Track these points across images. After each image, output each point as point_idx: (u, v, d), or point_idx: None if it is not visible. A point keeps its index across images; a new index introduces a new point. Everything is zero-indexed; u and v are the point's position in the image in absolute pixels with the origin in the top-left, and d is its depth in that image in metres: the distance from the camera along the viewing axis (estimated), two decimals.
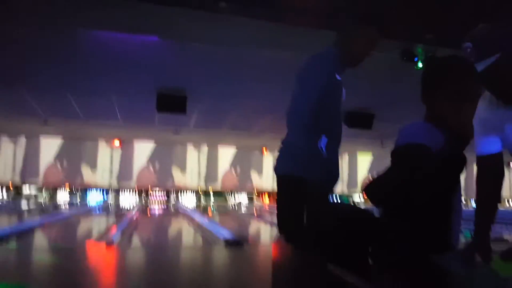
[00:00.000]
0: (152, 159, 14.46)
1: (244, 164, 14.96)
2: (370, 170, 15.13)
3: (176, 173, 14.70)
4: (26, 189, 13.76)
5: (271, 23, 3.96)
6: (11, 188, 13.58)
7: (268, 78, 5.70)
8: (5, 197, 13.42)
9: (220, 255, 3.86)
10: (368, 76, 5.23)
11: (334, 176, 1.65)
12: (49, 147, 13.68)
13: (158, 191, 14.56)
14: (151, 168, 14.47)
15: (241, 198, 15.34)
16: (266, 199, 15.71)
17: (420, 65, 4.87)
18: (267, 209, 12.24)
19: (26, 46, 4.92)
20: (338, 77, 1.62)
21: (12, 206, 10.53)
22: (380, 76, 5.55)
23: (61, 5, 3.84)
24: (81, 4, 3.82)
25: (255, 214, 10.12)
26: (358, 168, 15.47)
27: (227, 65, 5.29)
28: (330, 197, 1.65)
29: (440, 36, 4.38)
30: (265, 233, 6.54)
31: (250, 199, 15.46)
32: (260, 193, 15.47)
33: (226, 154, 15.05)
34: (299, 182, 1.54)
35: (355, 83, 5.74)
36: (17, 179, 13.52)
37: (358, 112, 7.46)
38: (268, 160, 15.09)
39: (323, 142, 1.54)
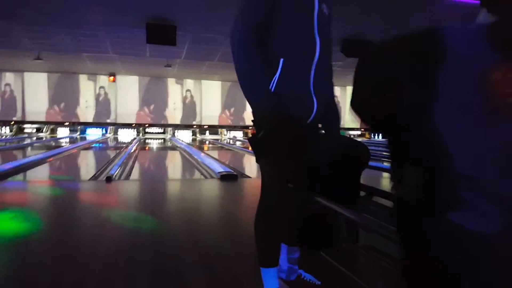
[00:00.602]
0: (146, 93, 14.39)
1: (238, 98, 14.88)
2: None
3: (170, 107, 14.70)
4: (28, 126, 13.89)
5: None
6: (13, 124, 13.67)
7: None
8: (8, 133, 13.57)
9: (215, 187, 3.99)
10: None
11: (304, 110, 1.30)
12: (45, 83, 13.55)
13: (154, 125, 14.68)
14: (146, 103, 14.45)
15: (236, 133, 15.51)
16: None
17: None
18: None
19: None
20: None
21: (15, 142, 10.67)
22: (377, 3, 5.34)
23: None
24: None
25: (249, 149, 10.27)
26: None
27: None
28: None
29: None
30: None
31: (245, 134, 15.64)
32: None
33: (218, 87, 14.92)
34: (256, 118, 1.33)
35: (352, 9, 5.62)
36: (19, 115, 13.56)
37: (355, 40, 7.14)
38: None
39: (282, 66, 1.24)
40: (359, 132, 16.37)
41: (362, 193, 1.96)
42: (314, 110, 1.33)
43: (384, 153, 8.27)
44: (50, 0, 5.64)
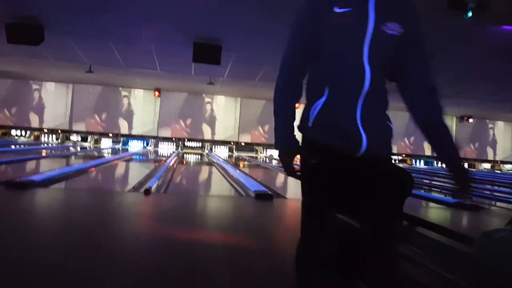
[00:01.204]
0: (187, 109, 14.77)
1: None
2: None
3: (210, 123, 14.98)
4: (73, 135, 14.61)
5: None
6: (60, 134, 14.43)
7: None
8: (54, 141, 14.33)
9: (250, 206, 3.99)
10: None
11: (349, 144, 1.21)
12: (94, 95, 14.25)
13: (193, 140, 14.99)
14: (186, 118, 14.82)
15: (272, 151, 15.52)
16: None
17: (470, 14, 4.50)
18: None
19: None
20: (338, 9, 1.18)
21: (61, 151, 11.23)
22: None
23: None
24: None
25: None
26: None
27: (262, 11, 5.16)
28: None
29: None
30: (295, 186, 6.64)
31: None
32: None
33: (258, 106, 15.06)
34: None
35: None
36: (66, 125, 14.28)
37: None
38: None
39: (326, 95, 1.19)
40: (400, 157, 15.89)
41: (405, 223, 1.89)
42: (363, 144, 1.22)
43: (426, 181, 7.97)
44: (107, 18, 6.00)
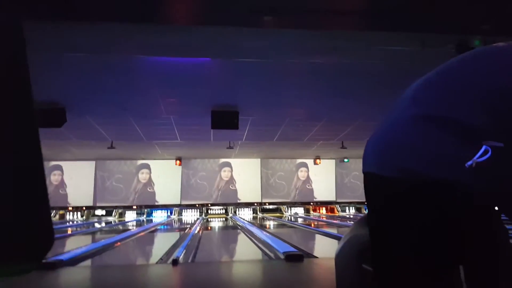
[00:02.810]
0: (209, 174, 14.89)
1: (297, 175, 14.92)
2: None
3: (232, 187, 14.98)
4: (98, 211, 14.78)
5: (313, 30, 3.98)
6: (85, 210, 14.63)
7: (314, 85, 5.72)
8: (79, 218, 14.50)
9: (281, 269, 3.85)
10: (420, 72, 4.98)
11: None
12: (116, 169, 14.60)
13: (217, 205, 14.92)
14: (208, 183, 14.89)
15: (297, 210, 15.27)
16: (323, 210, 15.47)
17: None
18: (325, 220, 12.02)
19: (85, 75, 5.34)
20: None
21: (86, 227, 11.31)
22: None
23: (116, 33, 4.13)
24: (135, 31, 4.08)
25: (312, 226, 9.99)
26: None
27: (274, 76, 5.38)
28: None
29: (498, 25, 4.12)
30: (324, 245, 6.42)
31: (307, 210, 15.34)
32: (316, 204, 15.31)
33: (278, 165, 15.11)
34: None
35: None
36: (90, 201, 14.51)
37: None
38: (321, 170, 14.92)
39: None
40: None
41: None
42: None
43: None
44: (126, 96, 6.33)
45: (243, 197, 15.02)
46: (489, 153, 0.88)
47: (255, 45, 4.42)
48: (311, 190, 15.03)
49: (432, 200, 0.93)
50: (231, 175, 15.07)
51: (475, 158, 0.88)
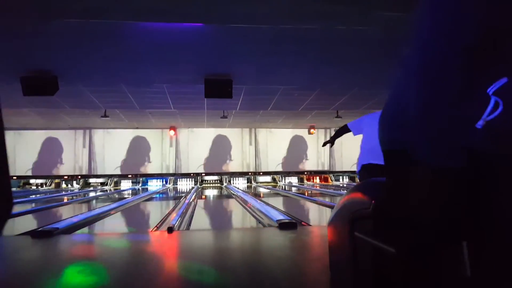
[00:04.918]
0: (204, 144, 14.89)
1: (292, 145, 14.97)
2: None
3: (226, 156, 15.03)
4: (93, 179, 14.85)
5: None
6: (80, 179, 14.68)
7: (309, 52, 5.62)
8: (75, 187, 14.57)
9: (275, 236, 3.90)
10: None
11: None
12: (110, 138, 14.54)
13: (211, 174, 15.02)
14: (203, 153, 14.92)
15: (291, 179, 15.43)
16: (317, 180, 15.65)
17: None
18: (318, 189, 12.17)
19: (76, 42, 5.19)
20: None
21: (81, 196, 11.37)
22: None
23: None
24: None
25: (306, 195, 10.11)
26: None
27: (268, 43, 5.26)
28: None
29: None
30: (317, 214, 6.51)
31: (300, 179, 15.50)
32: (310, 173, 15.46)
33: (273, 135, 15.12)
34: None
35: None
36: (85, 169, 14.54)
37: None
38: (315, 140, 14.95)
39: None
40: None
41: None
42: None
43: None
44: (119, 65, 6.20)
45: (237, 167, 15.10)
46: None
47: (250, 10, 4.29)
48: (305, 160, 15.14)
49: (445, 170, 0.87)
50: (226, 145, 15.09)
51: (484, 116, 0.79)
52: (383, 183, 1.33)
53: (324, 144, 4.51)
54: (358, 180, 4.31)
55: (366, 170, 3.50)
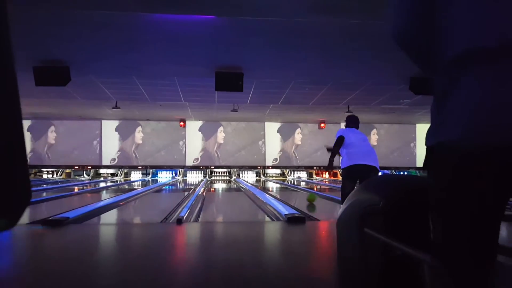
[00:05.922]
0: (213, 137, 14.92)
1: (302, 139, 14.92)
2: None
3: (236, 149, 15.04)
4: (104, 170, 14.99)
5: None
6: (91, 169, 14.84)
7: (321, 46, 5.56)
8: (86, 177, 14.74)
9: (282, 230, 3.90)
10: None
11: None
12: (121, 130, 14.65)
13: (220, 167, 15.07)
14: (213, 146, 14.95)
15: (300, 174, 15.39)
16: (326, 175, 15.59)
17: None
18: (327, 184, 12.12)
19: (89, 33, 5.21)
20: None
21: (92, 186, 11.50)
22: None
23: None
24: None
25: (315, 190, 10.09)
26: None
27: (280, 36, 5.22)
28: None
29: None
30: (326, 209, 6.49)
31: (310, 174, 15.46)
32: (319, 168, 15.41)
33: (282, 129, 15.07)
34: None
35: None
36: (96, 160, 14.68)
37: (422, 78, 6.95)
38: (326, 134, 14.86)
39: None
40: None
41: None
42: None
43: None
44: (131, 56, 6.21)
45: (246, 160, 15.11)
46: None
47: (262, 3, 4.25)
48: (314, 154, 15.08)
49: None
50: (235, 138, 15.10)
51: None
52: (392, 180, 1.33)
53: (328, 169, 4.76)
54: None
55: (351, 171, 4.35)
